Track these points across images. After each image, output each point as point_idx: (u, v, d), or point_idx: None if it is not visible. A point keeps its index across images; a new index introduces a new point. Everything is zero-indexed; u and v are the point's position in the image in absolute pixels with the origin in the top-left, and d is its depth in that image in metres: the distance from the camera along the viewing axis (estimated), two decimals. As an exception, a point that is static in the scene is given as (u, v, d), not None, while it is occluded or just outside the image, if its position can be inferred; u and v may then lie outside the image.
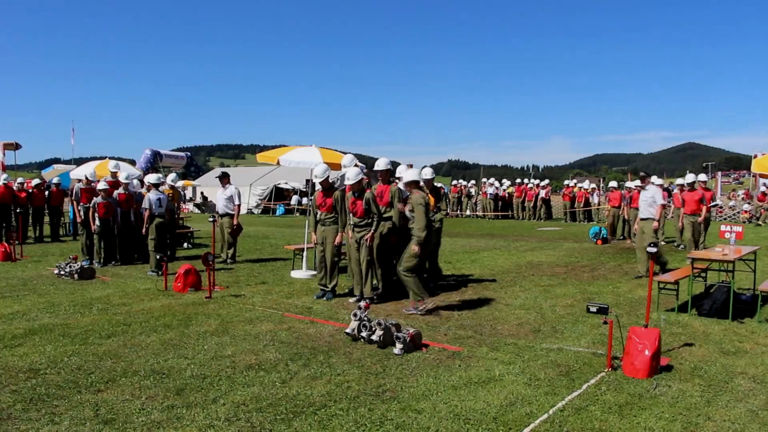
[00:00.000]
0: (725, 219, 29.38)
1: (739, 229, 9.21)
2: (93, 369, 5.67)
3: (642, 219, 11.02)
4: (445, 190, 10.28)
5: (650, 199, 10.88)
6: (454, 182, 35.76)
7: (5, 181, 17.62)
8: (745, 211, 28.66)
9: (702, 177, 14.95)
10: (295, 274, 11.26)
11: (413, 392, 5.09)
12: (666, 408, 4.78)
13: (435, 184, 10.41)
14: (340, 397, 4.97)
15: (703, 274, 9.20)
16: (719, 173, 61.19)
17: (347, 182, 8.65)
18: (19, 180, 18.60)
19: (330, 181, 9.11)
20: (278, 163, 12.13)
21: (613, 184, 21.38)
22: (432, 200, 10.09)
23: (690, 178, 14.63)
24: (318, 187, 9.20)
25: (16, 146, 24.78)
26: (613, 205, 19.07)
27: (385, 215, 8.86)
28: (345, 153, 14.02)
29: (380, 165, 9.13)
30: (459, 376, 5.52)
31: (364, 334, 6.54)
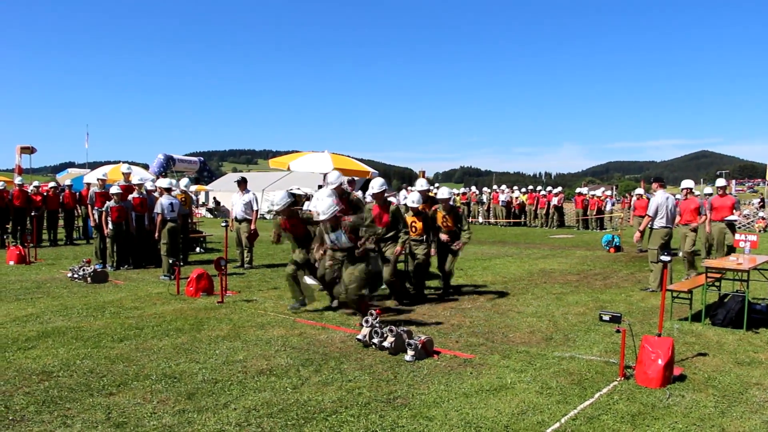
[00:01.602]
0: (740, 228, 29.16)
1: (753, 238, 9.14)
2: (105, 372, 5.70)
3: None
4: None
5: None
6: (464, 190, 35.73)
7: (20, 184, 17.79)
8: (761, 219, 28.40)
9: (720, 182, 12.98)
10: (307, 280, 11.26)
11: (424, 399, 5.08)
12: (679, 418, 4.74)
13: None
14: (351, 403, 4.97)
15: (717, 284, 9.12)
16: (733, 181, 60.81)
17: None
18: (35, 183, 18.77)
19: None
20: (289, 168, 12.18)
21: (639, 191, 20.72)
22: (450, 221, 9.72)
23: (685, 184, 12.59)
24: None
25: (32, 150, 25.02)
26: (638, 214, 18.50)
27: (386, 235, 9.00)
28: (357, 159, 14.06)
29: (375, 187, 9.15)
30: (470, 383, 5.50)
31: (375, 340, 6.54)
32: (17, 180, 18.58)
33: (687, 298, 8.37)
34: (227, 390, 5.24)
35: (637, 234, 10.81)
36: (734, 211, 12.24)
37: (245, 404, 4.91)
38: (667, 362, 5.45)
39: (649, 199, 15.89)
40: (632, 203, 32.40)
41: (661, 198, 10.49)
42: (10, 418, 4.56)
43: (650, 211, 10.49)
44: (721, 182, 12.94)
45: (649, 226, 10.61)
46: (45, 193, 18.11)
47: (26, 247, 13.88)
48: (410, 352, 6.20)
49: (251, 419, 4.60)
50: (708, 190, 13.41)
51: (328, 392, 5.23)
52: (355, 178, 14.38)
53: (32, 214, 15.83)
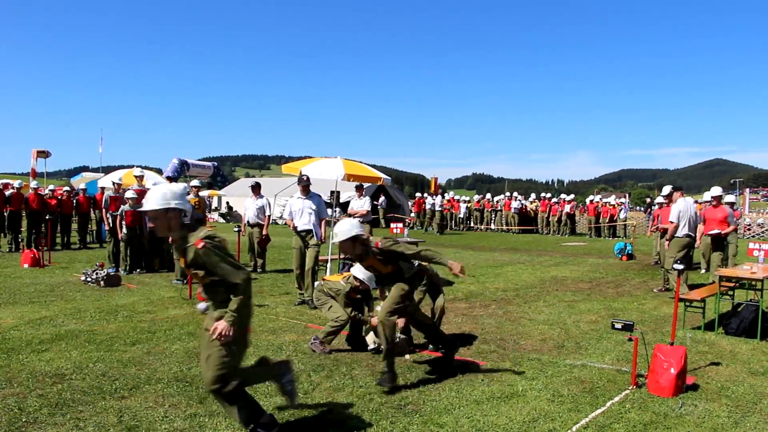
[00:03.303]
0: (754, 237, 28.91)
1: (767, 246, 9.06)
2: (117, 375, 5.73)
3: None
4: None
5: None
6: (477, 197, 35.72)
7: (35, 188, 17.93)
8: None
9: (716, 191, 11.29)
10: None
11: (435, 406, 5.07)
12: (692, 428, 4.70)
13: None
14: (363, 409, 4.97)
15: (730, 293, 9.05)
16: (747, 190, 60.31)
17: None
18: (50, 187, 18.90)
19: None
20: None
21: (660, 199, 19.68)
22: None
23: (667, 191, 12.01)
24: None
25: (47, 154, 25.21)
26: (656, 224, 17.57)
27: None
28: (369, 165, 14.02)
29: None
30: (482, 390, 5.49)
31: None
32: (32, 184, 18.72)
33: (700, 307, 8.31)
34: (238, 394, 5.25)
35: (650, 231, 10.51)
36: (729, 225, 10.98)
37: (256, 409, 4.92)
38: (680, 371, 5.42)
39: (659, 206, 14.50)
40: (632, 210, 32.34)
41: (683, 205, 10.29)
42: (24, 420, 4.60)
43: (672, 218, 10.25)
44: (716, 191, 11.33)
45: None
46: (59, 197, 18.25)
47: (40, 251, 13.98)
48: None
49: (262, 424, 4.61)
50: (730, 198, 12.83)
51: (339, 398, 5.23)
52: (365, 185, 14.39)
53: (47, 217, 15.94)
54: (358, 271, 7.02)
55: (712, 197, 11.22)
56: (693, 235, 10.30)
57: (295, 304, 9.49)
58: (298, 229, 9.48)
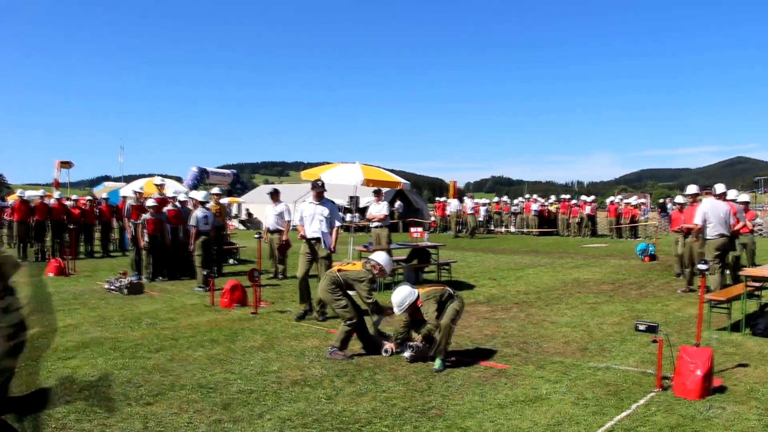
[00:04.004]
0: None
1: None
2: (142, 382, 5.78)
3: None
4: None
5: None
6: (496, 199, 35.61)
7: (58, 198, 18.18)
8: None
9: (719, 188, 10.62)
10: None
11: (459, 410, 5.05)
12: (721, 431, 4.64)
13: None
14: (386, 414, 4.96)
15: (757, 293, 8.93)
16: (772, 188, 59.46)
17: None
18: (73, 197, 19.15)
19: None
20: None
21: (679, 199, 17.00)
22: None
23: (690, 190, 11.81)
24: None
25: (70, 165, 25.59)
26: (674, 228, 14.38)
27: None
28: (388, 170, 14.04)
29: None
30: (505, 394, 5.46)
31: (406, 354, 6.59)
32: (55, 194, 18.99)
33: (726, 308, 8.20)
34: (262, 400, 5.28)
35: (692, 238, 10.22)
36: (738, 221, 10.64)
37: (280, 415, 4.94)
38: (706, 373, 5.34)
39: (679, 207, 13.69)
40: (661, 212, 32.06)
41: (707, 205, 9.99)
42: (53, 426, 4.65)
43: (698, 220, 9.95)
44: (719, 188, 10.69)
45: (702, 236, 10.04)
46: (82, 207, 18.49)
47: (65, 260, 14.15)
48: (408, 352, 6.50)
49: (286, 430, 4.63)
50: (744, 197, 12.60)
51: (362, 403, 5.23)
52: (384, 189, 14.41)
53: (71, 227, 16.14)
54: (379, 256, 7.03)
55: (716, 195, 10.60)
56: (726, 234, 9.92)
57: (294, 318, 8.81)
58: (307, 236, 8.99)
